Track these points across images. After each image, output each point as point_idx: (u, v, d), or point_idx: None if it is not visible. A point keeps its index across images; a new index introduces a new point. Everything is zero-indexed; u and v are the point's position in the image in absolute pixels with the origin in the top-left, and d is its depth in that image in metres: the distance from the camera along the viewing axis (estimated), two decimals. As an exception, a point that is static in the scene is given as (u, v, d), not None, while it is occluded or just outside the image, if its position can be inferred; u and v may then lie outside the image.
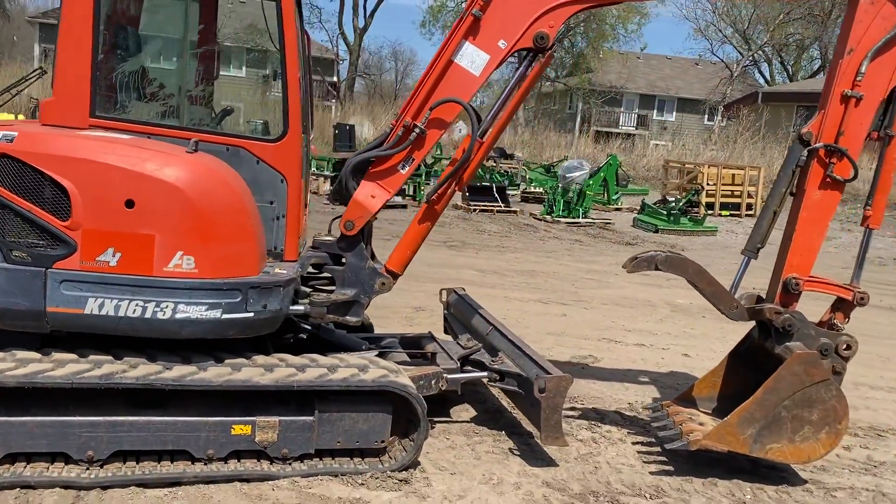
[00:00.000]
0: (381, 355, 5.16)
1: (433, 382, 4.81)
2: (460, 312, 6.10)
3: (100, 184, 3.88)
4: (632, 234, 16.76)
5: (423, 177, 18.24)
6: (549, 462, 4.71)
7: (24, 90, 20.62)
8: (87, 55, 4.20)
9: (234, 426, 4.11)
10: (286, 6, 4.37)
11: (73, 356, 4.01)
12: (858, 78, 4.47)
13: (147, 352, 4.14)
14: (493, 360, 5.03)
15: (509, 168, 25.96)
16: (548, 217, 17.51)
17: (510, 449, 4.86)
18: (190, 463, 4.08)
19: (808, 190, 4.62)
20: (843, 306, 4.72)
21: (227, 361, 4.20)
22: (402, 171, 4.68)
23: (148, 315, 3.94)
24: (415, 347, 5.54)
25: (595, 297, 9.73)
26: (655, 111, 51.95)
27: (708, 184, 20.93)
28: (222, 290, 4.04)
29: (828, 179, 4.59)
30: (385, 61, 67.05)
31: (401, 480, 4.23)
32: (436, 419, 5.23)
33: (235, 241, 4.11)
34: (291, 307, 4.48)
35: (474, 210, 17.52)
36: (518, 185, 23.27)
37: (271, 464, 4.19)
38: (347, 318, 4.77)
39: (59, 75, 4.24)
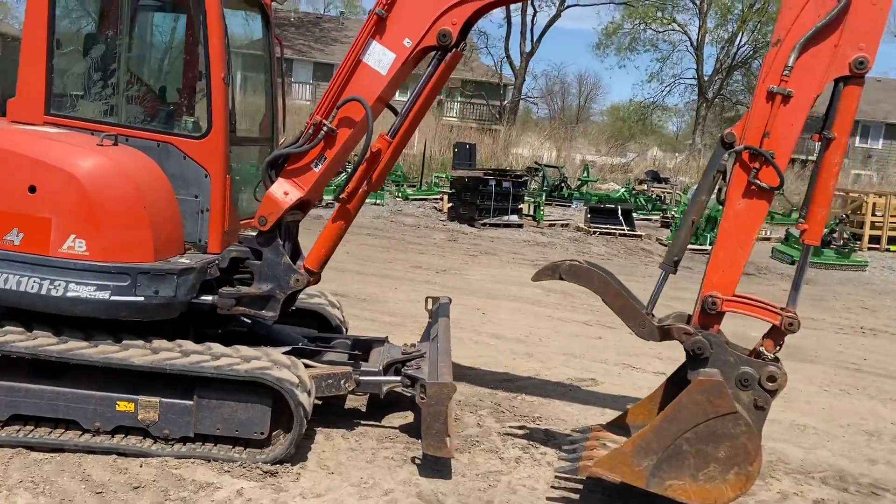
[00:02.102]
0: (316, 353, 5.26)
1: (342, 382, 4.82)
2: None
3: (8, 170, 4.31)
4: (761, 263, 15.41)
5: (543, 196, 17.95)
6: (443, 475, 4.50)
7: None
8: (42, 60, 4.75)
9: (118, 402, 4.35)
10: (210, 6, 4.64)
11: (-10, 327, 4.46)
12: (786, 73, 3.90)
13: (60, 328, 4.50)
14: (407, 366, 4.93)
15: (661, 192, 24.99)
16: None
17: (413, 458, 4.70)
18: (79, 433, 4.38)
19: (731, 198, 4.08)
20: (773, 332, 4.12)
21: (124, 342, 4.47)
22: (314, 168, 4.74)
23: (44, 291, 4.31)
24: (365, 350, 5.55)
25: (653, 323, 9.07)
26: (858, 137, 47.34)
27: (874, 214, 18.85)
28: (110, 273, 4.32)
29: (752, 187, 4.03)
30: (570, 86, 67.18)
31: (267, 472, 4.25)
32: (364, 422, 5.20)
33: (127, 228, 4.37)
34: (202, 297, 4.70)
35: (594, 233, 16.95)
36: (664, 209, 22.27)
37: (154, 443, 4.39)
38: (263, 312, 4.86)
39: (21, 77, 4.81)
